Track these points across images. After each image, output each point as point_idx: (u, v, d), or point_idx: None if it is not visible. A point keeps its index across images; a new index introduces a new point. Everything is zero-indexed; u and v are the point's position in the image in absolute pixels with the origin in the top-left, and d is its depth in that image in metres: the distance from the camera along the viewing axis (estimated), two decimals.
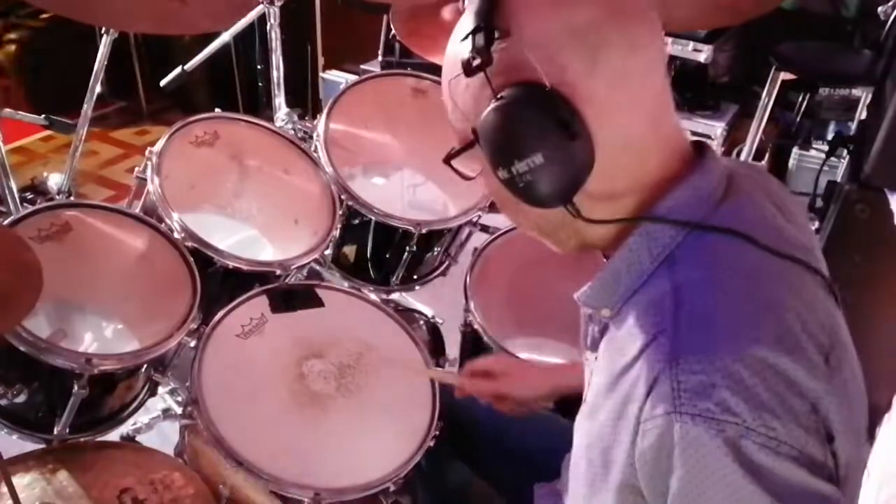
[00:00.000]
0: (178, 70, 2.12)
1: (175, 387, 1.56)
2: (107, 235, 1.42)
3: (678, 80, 3.04)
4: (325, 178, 1.67)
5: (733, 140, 3.19)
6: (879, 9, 2.18)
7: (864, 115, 2.79)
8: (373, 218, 1.65)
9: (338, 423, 1.26)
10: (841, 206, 1.79)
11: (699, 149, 0.80)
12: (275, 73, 2.09)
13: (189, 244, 1.44)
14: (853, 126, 2.99)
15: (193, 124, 1.61)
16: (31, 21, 3.55)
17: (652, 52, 0.73)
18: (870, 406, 0.80)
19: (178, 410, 1.63)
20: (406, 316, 1.64)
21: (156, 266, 1.42)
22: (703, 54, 2.91)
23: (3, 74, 3.49)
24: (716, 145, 2.99)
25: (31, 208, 1.38)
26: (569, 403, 0.92)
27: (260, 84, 2.49)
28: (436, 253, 1.79)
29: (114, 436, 1.45)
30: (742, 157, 2.93)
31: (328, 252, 1.66)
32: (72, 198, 2.25)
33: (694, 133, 0.80)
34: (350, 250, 1.76)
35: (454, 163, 0.79)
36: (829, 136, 3.06)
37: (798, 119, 3.10)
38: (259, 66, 2.51)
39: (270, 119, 1.94)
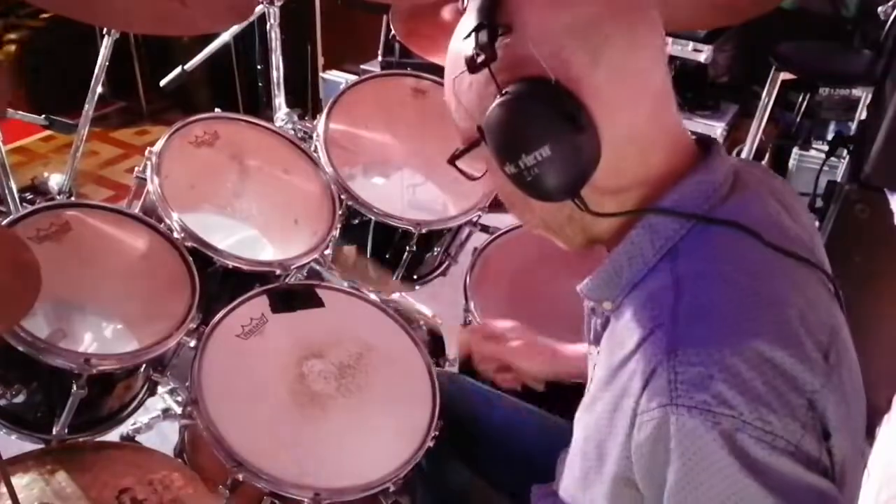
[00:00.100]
0: (178, 70, 2.13)
1: (175, 387, 1.56)
2: (106, 235, 1.42)
3: (678, 80, 3.01)
4: (325, 178, 1.67)
5: (733, 140, 3.19)
6: (879, 9, 2.18)
7: (864, 115, 2.79)
8: (373, 218, 1.65)
9: (338, 424, 1.26)
10: (841, 206, 1.79)
11: (706, 145, 0.80)
12: (275, 73, 2.09)
13: (189, 244, 1.44)
14: (853, 126, 2.99)
15: (193, 124, 1.61)
16: (31, 21, 3.55)
17: (653, 49, 0.74)
18: (870, 406, 0.80)
19: (178, 410, 1.63)
20: (406, 316, 1.64)
21: (155, 266, 1.41)
22: (703, 54, 2.91)
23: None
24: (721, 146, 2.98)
25: (30, 208, 1.38)
26: (567, 402, 0.92)
27: (260, 84, 2.49)
28: (436, 253, 1.79)
29: (113, 436, 1.45)
30: (742, 157, 2.93)
31: (328, 252, 1.66)
32: (72, 198, 2.25)
33: (694, 133, 0.80)
34: (350, 250, 1.76)
35: (458, 162, 0.79)
36: (829, 136, 3.06)
37: (798, 119, 3.10)
38: (259, 66, 2.50)
39: (270, 119, 1.94)
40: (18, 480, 1.09)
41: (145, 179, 1.49)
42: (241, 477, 1.14)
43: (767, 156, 3.15)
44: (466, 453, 1.29)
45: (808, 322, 0.70)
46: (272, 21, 2.00)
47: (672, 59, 2.94)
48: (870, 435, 1.50)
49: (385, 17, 3.00)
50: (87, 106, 2.07)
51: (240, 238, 1.55)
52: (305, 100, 3.64)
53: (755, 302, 0.69)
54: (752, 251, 0.72)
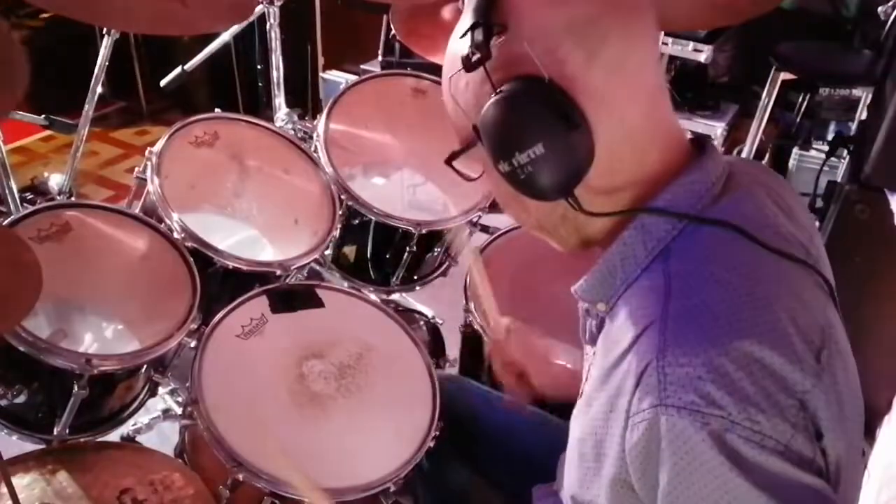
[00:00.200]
0: (178, 70, 2.13)
1: (175, 387, 1.56)
2: (107, 236, 1.42)
3: (678, 80, 3.04)
4: (325, 178, 1.67)
5: (733, 140, 3.19)
6: (879, 9, 2.17)
7: (864, 116, 2.79)
8: (373, 218, 1.65)
9: (338, 424, 1.26)
10: (841, 207, 1.79)
11: (700, 144, 0.80)
12: (275, 73, 2.09)
13: (189, 244, 1.44)
14: (853, 126, 2.99)
15: (193, 124, 1.62)
16: (31, 21, 3.54)
17: (647, 47, 0.74)
18: (870, 407, 0.80)
19: (178, 411, 1.63)
20: (406, 316, 1.64)
21: (156, 266, 1.42)
22: (703, 54, 2.91)
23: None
24: (716, 145, 2.99)
25: (30, 208, 1.38)
26: (566, 404, 0.92)
27: (260, 84, 2.49)
28: (436, 253, 1.79)
29: (114, 436, 1.45)
30: (742, 157, 2.93)
31: (328, 252, 1.66)
32: (72, 198, 2.25)
33: (694, 133, 0.81)
34: (350, 250, 1.76)
35: (456, 163, 0.79)
36: (829, 137, 3.06)
37: (798, 119, 3.10)
38: (259, 66, 2.51)
39: (270, 119, 1.94)
40: (19, 480, 1.09)
41: (145, 180, 1.49)
42: (241, 477, 1.14)
43: (767, 156, 3.15)
44: (466, 453, 1.29)
45: (799, 322, 0.69)
46: (272, 21, 2.00)
47: (672, 59, 2.95)
48: (870, 435, 1.50)
49: (385, 17, 3.00)
50: (87, 106, 2.07)
51: (240, 238, 1.55)
52: (305, 100, 3.64)
53: (745, 302, 0.69)
54: (743, 251, 0.72)
